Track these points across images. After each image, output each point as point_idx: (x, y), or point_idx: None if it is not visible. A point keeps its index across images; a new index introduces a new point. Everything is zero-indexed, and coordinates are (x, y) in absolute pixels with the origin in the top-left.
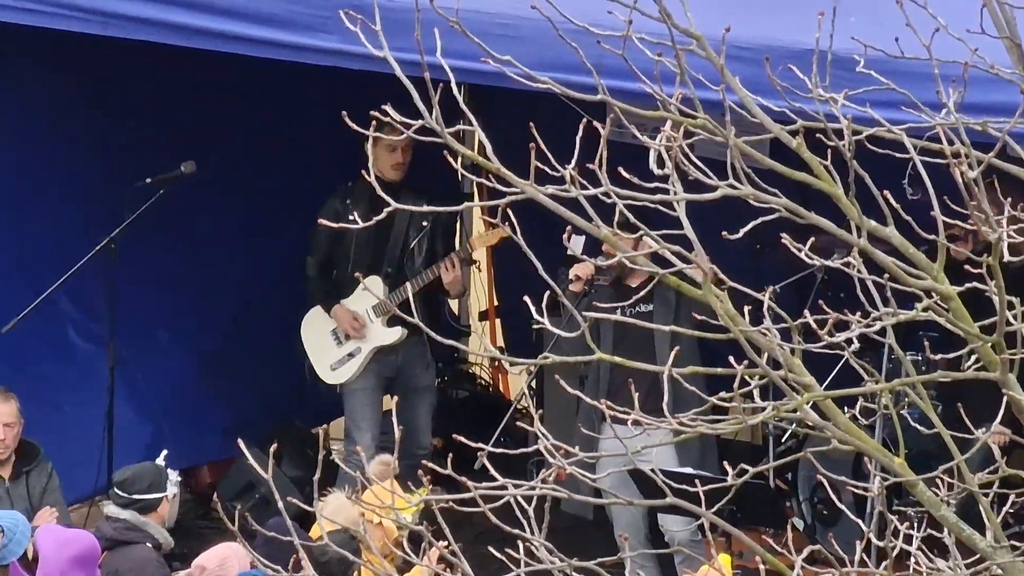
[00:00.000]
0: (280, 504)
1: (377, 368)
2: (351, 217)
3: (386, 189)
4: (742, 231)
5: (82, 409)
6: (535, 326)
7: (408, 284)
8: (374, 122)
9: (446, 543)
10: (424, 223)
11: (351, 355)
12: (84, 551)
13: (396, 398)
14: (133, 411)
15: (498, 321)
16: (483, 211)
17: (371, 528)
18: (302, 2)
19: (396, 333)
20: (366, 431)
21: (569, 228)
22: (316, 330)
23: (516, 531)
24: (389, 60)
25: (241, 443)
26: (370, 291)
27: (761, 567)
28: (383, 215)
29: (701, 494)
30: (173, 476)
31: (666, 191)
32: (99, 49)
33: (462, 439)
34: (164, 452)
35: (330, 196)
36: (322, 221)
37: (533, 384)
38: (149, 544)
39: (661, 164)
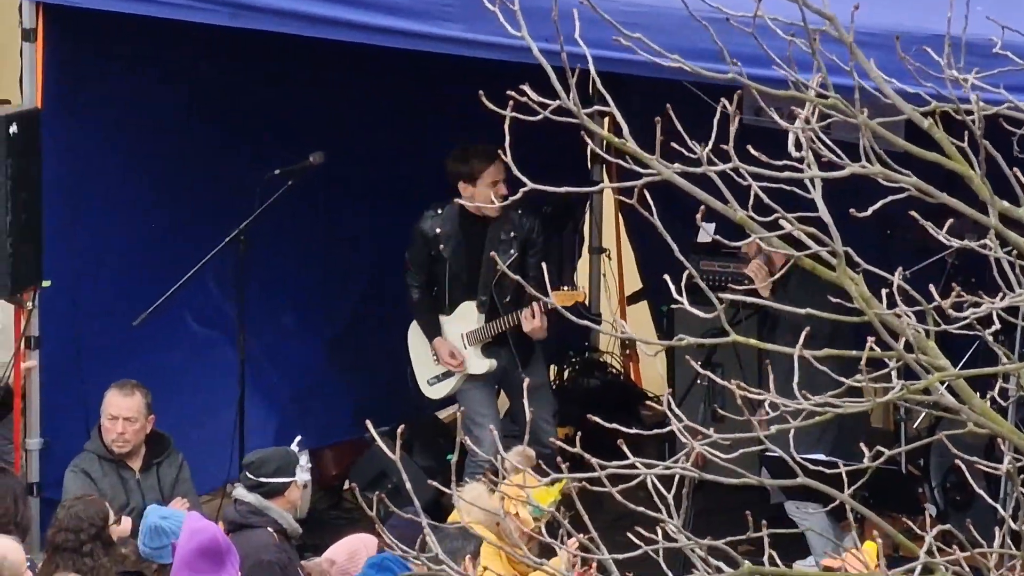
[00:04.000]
0: (409, 488)
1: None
2: (441, 246)
3: (479, 218)
4: (871, 209)
5: (211, 399)
6: (667, 308)
7: (498, 320)
8: (511, 103)
9: (584, 533)
10: (512, 251)
11: (446, 375)
12: (207, 543)
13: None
14: (261, 398)
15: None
16: (615, 193)
17: (508, 519)
18: None
19: (485, 365)
20: (485, 426)
21: (702, 209)
22: (419, 342)
23: (646, 512)
24: (528, 43)
25: (370, 425)
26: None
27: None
28: (509, 199)
29: (843, 475)
30: (304, 462)
31: (797, 171)
32: (228, 41)
33: (596, 419)
34: (298, 438)
35: (419, 220)
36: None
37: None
38: (271, 529)
39: (799, 147)
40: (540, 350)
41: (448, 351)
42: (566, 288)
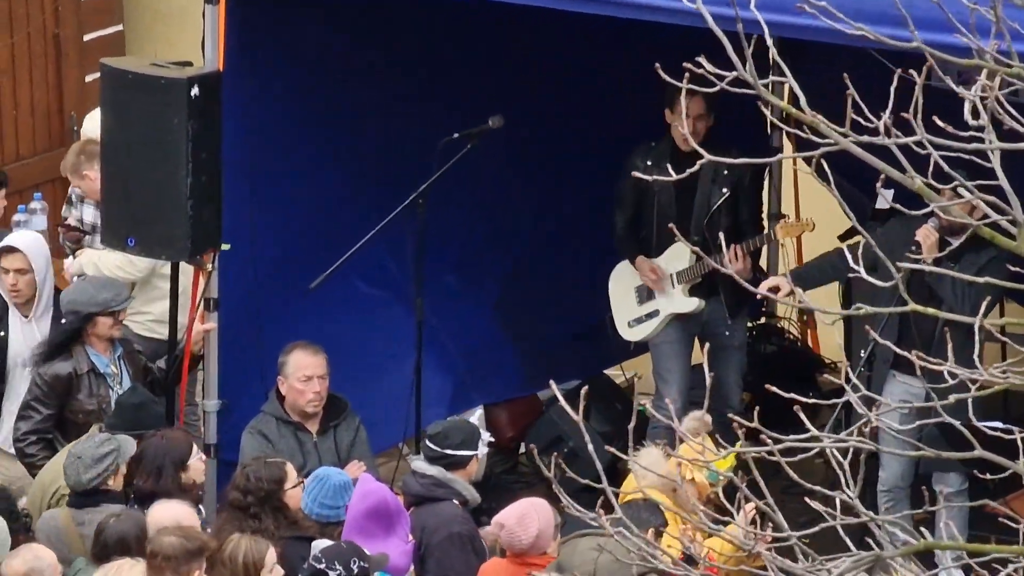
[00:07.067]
0: (591, 450)
1: (684, 324)
2: (652, 177)
3: (693, 155)
4: None
5: (383, 360)
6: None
7: (713, 256)
8: (687, 74)
9: (760, 499)
10: (725, 190)
11: (649, 315)
12: (377, 505)
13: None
14: (433, 359)
15: None
16: (795, 163)
17: (684, 484)
18: None
19: (693, 304)
20: (672, 384)
21: (882, 177)
22: (621, 285)
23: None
24: (702, 12)
25: (554, 385)
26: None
27: None
28: (696, 168)
29: (1020, 443)
30: (485, 435)
31: (981, 140)
32: (406, 6)
33: (774, 389)
34: (479, 412)
35: (631, 153)
36: (635, 174)
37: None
38: (455, 501)
39: (976, 114)
40: (746, 310)
41: (649, 267)
42: (789, 219)
